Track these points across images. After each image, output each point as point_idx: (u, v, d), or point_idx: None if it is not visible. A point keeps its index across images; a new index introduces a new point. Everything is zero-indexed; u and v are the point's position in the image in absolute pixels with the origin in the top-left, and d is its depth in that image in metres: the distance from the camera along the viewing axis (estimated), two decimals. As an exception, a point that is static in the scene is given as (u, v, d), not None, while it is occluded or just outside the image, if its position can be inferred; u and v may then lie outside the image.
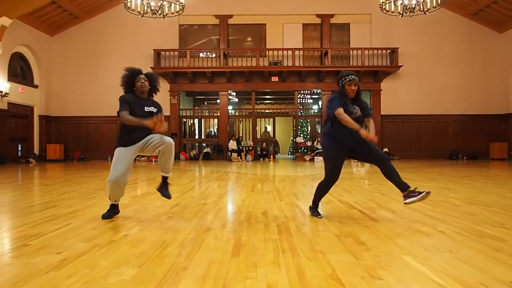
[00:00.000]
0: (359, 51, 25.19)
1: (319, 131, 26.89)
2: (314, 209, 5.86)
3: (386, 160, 5.60)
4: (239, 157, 24.86)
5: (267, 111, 29.86)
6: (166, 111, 24.81)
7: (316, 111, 28.91)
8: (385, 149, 25.03)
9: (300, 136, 28.05)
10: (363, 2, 25.66)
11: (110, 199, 5.72)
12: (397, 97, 25.56)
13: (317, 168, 17.39)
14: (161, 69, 24.23)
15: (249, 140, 26.81)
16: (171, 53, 25.40)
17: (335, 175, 5.69)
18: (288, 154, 34.26)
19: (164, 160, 5.76)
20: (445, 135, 25.93)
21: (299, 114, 27.80)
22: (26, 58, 24.36)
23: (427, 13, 18.74)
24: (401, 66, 24.80)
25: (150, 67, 23.43)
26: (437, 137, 25.87)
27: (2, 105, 21.40)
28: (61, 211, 6.28)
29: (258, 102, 30.84)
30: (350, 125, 5.33)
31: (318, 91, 27.10)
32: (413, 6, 18.41)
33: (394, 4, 18.78)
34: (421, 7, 18.34)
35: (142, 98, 5.65)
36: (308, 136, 29.53)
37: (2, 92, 20.99)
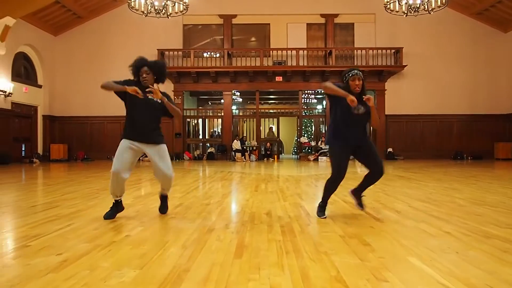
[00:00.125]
0: (363, 51, 25.13)
1: (323, 131, 26.89)
2: (320, 208, 5.78)
3: (380, 173, 5.68)
4: (243, 157, 24.81)
5: (271, 111, 29.81)
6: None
7: (320, 111, 28.92)
8: (389, 149, 24.99)
9: (304, 136, 28.08)
10: (368, 1, 25.62)
11: (111, 194, 5.71)
12: (402, 97, 25.48)
13: (321, 168, 17.33)
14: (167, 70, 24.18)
15: (253, 140, 26.76)
16: (175, 53, 25.37)
17: (340, 172, 5.60)
18: (292, 154, 34.25)
19: (162, 185, 5.96)
20: (450, 135, 25.85)
21: (303, 114, 27.80)
22: (30, 58, 24.36)
23: (432, 13, 18.69)
24: (405, 66, 24.71)
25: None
26: (442, 137, 25.79)
27: (5, 105, 21.41)
28: (63, 211, 6.24)
29: (262, 102, 30.80)
30: (337, 93, 5.36)
31: (322, 91, 26.92)
32: (418, 6, 18.35)
33: (399, 3, 18.72)
34: (426, 6, 18.28)
35: (146, 87, 5.60)
36: (312, 136, 29.56)
37: (5, 92, 20.99)
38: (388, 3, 19.09)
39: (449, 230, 4.82)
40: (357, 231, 4.79)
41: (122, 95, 5.60)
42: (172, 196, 7.76)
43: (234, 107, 27.75)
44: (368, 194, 8.06)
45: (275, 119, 28.15)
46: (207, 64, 25.49)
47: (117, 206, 5.77)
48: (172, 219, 5.64)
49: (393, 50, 25.29)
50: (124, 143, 5.55)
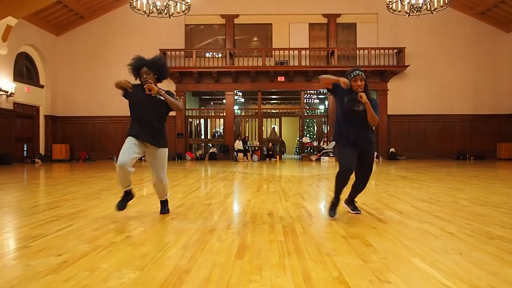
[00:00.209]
0: (366, 51, 25.09)
1: (325, 131, 26.86)
2: (332, 205, 5.69)
3: (363, 186, 5.90)
4: (245, 157, 24.78)
5: (273, 111, 29.81)
6: (172, 112, 24.69)
7: (322, 111, 28.87)
8: (392, 149, 24.96)
9: (306, 136, 27.98)
10: (370, 1, 25.57)
11: (120, 186, 5.75)
12: (404, 97, 25.45)
13: (324, 168, 17.31)
14: (168, 68, 24.13)
15: (255, 140, 26.73)
16: (177, 53, 25.34)
17: (347, 162, 5.52)
18: (294, 154, 34.21)
19: (155, 189, 6.03)
20: (452, 135, 25.81)
21: (306, 114, 27.75)
22: (32, 58, 24.36)
23: (434, 13, 18.64)
24: (407, 66, 24.69)
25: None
26: (444, 137, 25.75)
27: (7, 105, 21.40)
28: (64, 211, 6.21)
29: (264, 102, 30.76)
30: (330, 80, 5.49)
31: (324, 91, 26.96)
32: (420, 6, 18.29)
33: (401, 3, 18.67)
34: (428, 6, 18.23)
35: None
36: (315, 136, 29.49)
37: (7, 92, 20.97)
38: (390, 3, 19.04)
39: (452, 230, 4.79)
40: (360, 232, 4.76)
41: (125, 94, 5.67)
42: (174, 197, 7.75)
43: (236, 107, 27.75)
44: (370, 195, 8.04)
45: (277, 119, 28.12)
46: (209, 64, 25.47)
47: (127, 196, 5.80)
48: (173, 220, 5.61)
49: (396, 50, 25.28)
50: (130, 140, 5.57)
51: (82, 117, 25.86)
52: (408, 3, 18.42)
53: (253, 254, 3.86)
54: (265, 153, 26.31)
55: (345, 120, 5.48)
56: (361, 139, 5.47)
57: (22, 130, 23.22)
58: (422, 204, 6.83)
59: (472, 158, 24.99)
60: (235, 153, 24.99)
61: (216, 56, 26.04)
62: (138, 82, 5.75)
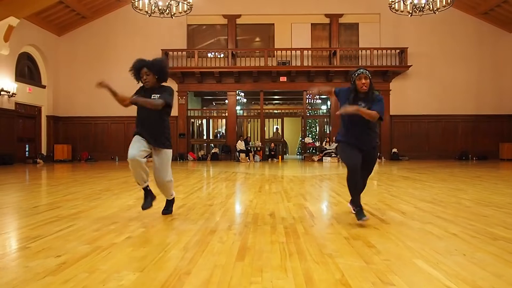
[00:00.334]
0: (368, 51, 25.07)
1: (328, 132, 26.85)
2: (358, 211, 5.30)
3: (366, 178, 5.88)
4: (247, 157, 24.76)
5: (276, 111, 29.79)
6: (174, 111, 24.75)
7: (324, 111, 28.88)
8: (394, 150, 24.93)
9: (308, 136, 27.98)
10: (372, 1, 25.55)
11: (137, 183, 5.73)
12: (406, 97, 25.41)
13: (326, 169, 17.27)
14: (169, 68, 24.09)
15: (257, 140, 26.72)
16: (179, 53, 25.33)
17: (353, 164, 5.40)
18: (297, 154, 34.19)
19: (159, 190, 5.94)
20: (455, 135, 25.77)
21: (308, 114, 27.75)
22: (34, 58, 24.36)
23: (437, 13, 18.61)
24: (410, 66, 24.66)
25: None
26: (447, 138, 25.71)
27: (9, 105, 21.40)
28: (64, 212, 6.18)
29: (267, 102, 30.71)
30: (324, 91, 5.87)
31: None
32: (423, 5, 18.26)
33: (404, 3, 18.64)
34: (431, 6, 18.19)
35: (150, 88, 5.64)
36: (317, 137, 29.47)
37: (9, 92, 20.96)
38: (393, 3, 19.02)
39: (455, 231, 4.75)
40: (362, 233, 4.72)
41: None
42: (175, 197, 7.70)
43: (238, 108, 27.73)
44: (372, 195, 8.01)
45: (279, 120, 28.08)
46: (211, 64, 25.47)
47: (148, 194, 5.76)
48: (174, 220, 5.58)
49: (398, 50, 25.25)
50: (136, 137, 5.58)
51: (84, 117, 25.85)
52: (411, 3, 18.40)
53: (254, 255, 3.82)
54: (267, 153, 26.27)
55: (347, 123, 5.41)
56: (364, 143, 5.39)
57: (24, 131, 23.21)
58: (424, 205, 6.80)
59: (474, 158, 24.96)
60: (237, 153, 24.96)
61: (218, 56, 26.05)
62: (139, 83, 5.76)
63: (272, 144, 26.36)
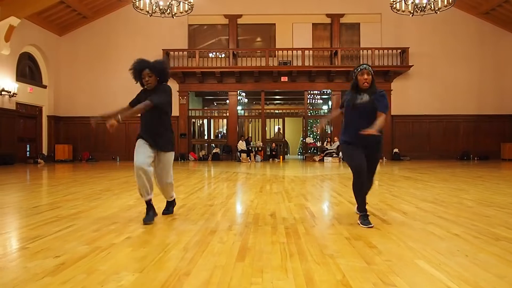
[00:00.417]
0: (369, 51, 25.02)
1: (329, 132, 26.81)
2: (362, 217, 5.23)
3: (371, 176, 5.65)
4: (248, 157, 24.73)
5: (277, 111, 29.76)
6: (175, 111, 24.74)
7: (326, 111, 28.89)
8: (395, 150, 24.89)
9: (309, 136, 27.94)
10: (374, 1, 25.51)
11: (140, 194, 5.53)
12: (408, 97, 25.37)
13: (327, 169, 17.24)
14: (170, 69, 24.02)
15: (258, 140, 26.69)
16: (180, 53, 25.30)
17: (357, 165, 5.30)
18: (298, 154, 34.15)
19: (161, 191, 5.96)
20: (456, 135, 25.73)
21: (309, 114, 27.72)
22: (35, 58, 24.34)
23: (438, 12, 18.57)
24: (411, 66, 24.62)
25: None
26: (448, 137, 25.67)
27: (10, 105, 21.38)
28: (64, 212, 6.16)
29: (268, 102, 30.69)
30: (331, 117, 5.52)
31: (328, 91, 27.00)
32: (424, 5, 18.22)
33: (405, 3, 18.62)
34: (432, 6, 18.15)
35: (149, 89, 5.59)
36: (318, 137, 29.43)
37: (10, 92, 20.94)
38: (394, 3, 18.99)
39: (457, 232, 4.72)
40: (363, 233, 4.70)
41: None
42: (176, 198, 7.68)
43: (239, 108, 27.69)
44: (374, 195, 7.98)
45: (281, 120, 28.06)
46: (212, 64, 25.44)
47: (151, 208, 5.53)
48: (174, 221, 5.56)
49: (399, 50, 25.21)
50: (140, 141, 5.51)
51: (85, 117, 25.72)
52: (412, 3, 18.37)
53: (254, 256, 3.80)
54: (269, 153, 26.24)
55: (349, 119, 5.33)
56: (367, 137, 5.29)
57: (25, 131, 23.20)
58: (426, 205, 6.77)
59: (476, 158, 24.92)
60: (238, 153, 24.93)
61: (219, 56, 26.03)
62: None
63: (273, 144, 26.33)
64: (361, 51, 25.58)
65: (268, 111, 28.13)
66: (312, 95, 29.56)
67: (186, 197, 7.92)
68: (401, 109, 25.34)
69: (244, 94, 28.95)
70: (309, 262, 3.57)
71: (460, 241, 4.33)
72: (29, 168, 18.52)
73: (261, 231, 4.86)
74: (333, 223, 5.33)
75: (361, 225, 5.13)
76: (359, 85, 5.23)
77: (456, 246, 4.10)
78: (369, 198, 5.98)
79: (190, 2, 18.52)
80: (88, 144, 25.79)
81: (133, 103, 5.71)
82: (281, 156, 26.15)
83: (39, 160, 22.91)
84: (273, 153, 25.83)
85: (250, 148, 25.52)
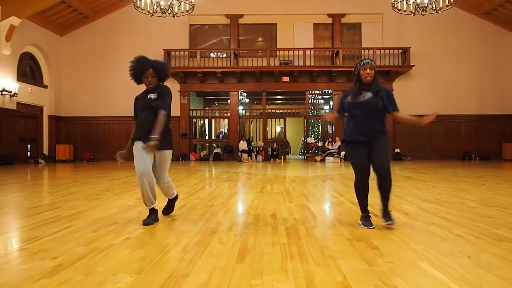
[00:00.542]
0: (371, 51, 24.96)
1: (330, 132, 26.80)
2: (363, 218, 5.20)
3: (385, 171, 5.12)
4: (249, 157, 24.70)
5: (278, 111, 29.74)
6: (176, 111, 24.72)
7: (327, 111, 28.76)
8: (397, 150, 24.85)
9: (311, 136, 27.92)
10: (375, 1, 25.49)
11: (144, 202, 5.44)
12: (409, 97, 25.29)
13: (328, 169, 17.20)
14: (171, 69, 23.93)
15: (259, 140, 26.66)
16: (181, 53, 25.28)
17: (358, 164, 5.25)
18: (299, 154, 34.15)
19: (161, 191, 5.84)
20: (457, 135, 25.71)
21: (310, 114, 27.67)
22: (36, 58, 24.33)
23: (440, 12, 18.56)
24: (413, 66, 24.58)
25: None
26: (449, 138, 25.64)
27: (11, 105, 21.36)
28: (63, 212, 6.12)
29: (269, 102, 30.70)
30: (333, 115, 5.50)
31: (329, 91, 26.99)
32: (426, 5, 18.19)
33: (406, 3, 18.58)
34: (434, 6, 18.12)
35: (149, 89, 5.49)
36: (319, 137, 29.40)
37: (11, 92, 20.92)
38: (395, 3, 18.97)
39: (460, 233, 4.68)
40: (365, 234, 4.65)
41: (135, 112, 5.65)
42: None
43: (240, 108, 27.65)
44: (375, 196, 7.89)
45: (282, 120, 28.04)
46: (213, 64, 25.42)
47: (153, 212, 5.45)
48: (174, 221, 5.52)
49: (401, 50, 25.17)
50: (136, 146, 5.35)
51: (86, 117, 25.82)
52: (414, 2, 18.34)
53: (254, 257, 3.75)
54: (270, 153, 26.22)
55: (352, 117, 5.22)
56: (368, 132, 5.13)
57: (26, 131, 23.19)
58: (428, 205, 6.73)
59: (477, 158, 24.88)
60: (240, 153, 24.92)
61: (221, 56, 26.00)
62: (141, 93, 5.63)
63: (275, 144, 26.32)
64: (362, 51, 25.55)
65: (269, 111, 28.15)
66: (314, 95, 29.52)
67: (186, 197, 7.87)
68: (403, 109, 24.46)
69: (245, 94, 28.91)
70: (310, 264, 3.52)
71: (462, 242, 4.29)
72: (30, 168, 18.50)
73: (262, 231, 4.83)
74: (334, 224, 5.29)
75: (362, 226, 5.09)
76: (362, 79, 5.15)
77: (458, 247, 4.06)
78: (370, 198, 5.93)
79: (191, 2, 18.50)
80: (89, 144, 25.80)
81: (136, 116, 5.57)
82: (282, 156, 26.13)
83: (40, 160, 22.90)
84: (274, 153, 25.82)
85: (251, 148, 25.49)
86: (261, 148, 26.25)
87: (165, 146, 5.45)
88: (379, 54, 24.99)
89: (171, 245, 4.19)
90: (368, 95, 5.11)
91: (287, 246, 4.15)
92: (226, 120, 27.55)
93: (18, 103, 22.04)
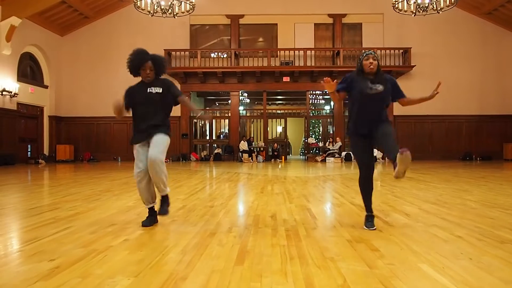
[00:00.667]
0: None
1: (331, 132, 26.79)
2: (366, 218, 5.14)
3: (393, 144, 4.82)
4: (250, 158, 24.68)
5: (279, 111, 29.75)
6: (177, 112, 24.70)
7: (328, 111, 28.80)
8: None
9: (312, 136, 27.90)
10: (376, 1, 25.48)
11: (143, 201, 5.38)
12: (410, 97, 25.25)
13: (329, 169, 17.18)
14: (172, 69, 24.03)
15: (260, 140, 26.64)
16: (182, 53, 25.30)
17: (363, 164, 5.20)
18: (300, 155, 34.13)
19: (152, 178, 5.20)
20: (458, 135, 25.71)
21: (311, 114, 27.66)
22: (36, 58, 24.35)
23: (440, 12, 18.55)
24: (413, 66, 24.58)
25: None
26: (450, 138, 25.65)
27: (11, 105, 21.36)
28: (61, 214, 6.08)
29: (270, 102, 30.71)
30: (334, 96, 5.34)
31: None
32: (426, 5, 18.18)
33: (407, 3, 18.57)
34: (434, 6, 18.11)
35: (147, 82, 5.33)
36: (320, 137, 29.39)
37: (11, 92, 20.92)
38: (396, 3, 18.96)
39: (461, 234, 4.63)
40: (365, 235, 4.61)
41: (126, 104, 5.40)
42: (176, 198, 7.63)
43: (241, 108, 27.67)
44: (376, 196, 7.85)
45: (283, 120, 28.03)
46: (214, 64, 25.42)
47: (152, 213, 5.36)
48: (173, 222, 5.47)
49: (402, 50, 25.18)
50: (136, 147, 5.24)
51: (87, 117, 25.81)
52: (414, 2, 18.34)
53: (253, 259, 3.71)
54: (270, 154, 26.21)
55: (359, 108, 5.09)
56: (372, 123, 5.02)
57: (26, 131, 23.20)
58: (429, 206, 6.69)
59: (478, 159, 24.87)
60: (240, 154, 24.91)
61: (221, 56, 26.01)
62: (135, 85, 5.48)
63: (275, 145, 26.32)
64: (363, 51, 25.44)
65: (270, 111, 28.20)
66: (314, 95, 29.49)
67: (186, 198, 7.84)
68: (403, 109, 25.13)
69: (246, 94, 28.94)
70: (310, 266, 3.48)
71: (463, 243, 4.25)
72: (30, 168, 18.49)
73: (261, 233, 4.79)
74: (334, 225, 5.25)
75: (364, 226, 5.05)
76: (365, 69, 5.08)
77: (459, 249, 4.02)
78: (371, 199, 5.89)
79: (191, 2, 18.51)
80: (89, 145, 25.82)
81: (130, 100, 5.38)
82: (283, 157, 26.11)
83: (40, 160, 22.91)
84: (275, 153, 25.81)
85: (252, 148, 25.47)
86: (261, 149, 26.24)
87: (162, 131, 5.24)
88: (380, 54, 24.94)
89: (170, 247, 4.15)
90: (380, 87, 5.03)
91: (287, 248, 4.11)
92: (226, 121, 27.57)
93: (18, 103, 22.05)
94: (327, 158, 24.05)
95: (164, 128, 5.28)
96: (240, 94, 27.07)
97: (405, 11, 19.10)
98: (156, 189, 5.33)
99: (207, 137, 28.33)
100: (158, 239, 4.58)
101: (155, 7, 18.15)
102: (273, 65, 25.15)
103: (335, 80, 5.14)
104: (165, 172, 5.15)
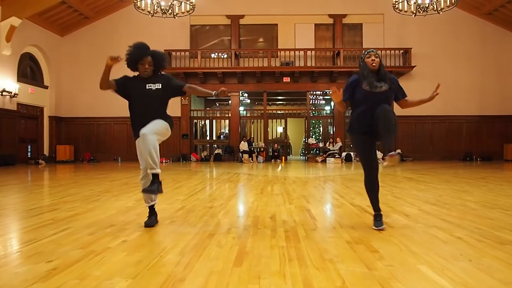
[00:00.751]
0: (372, 51, 24.90)
1: (331, 132, 26.77)
2: (375, 217, 5.14)
3: (383, 129, 4.92)
4: (250, 158, 24.66)
5: (279, 112, 29.73)
6: (177, 112, 24.70)
7: (328, 112, 28.76)
8: (398, 150, 24.72)
9: (312, 137, 27.87)
10: (376, 2, 25.45)
11: (144, 200, 5.34)
12: (410, 98, 25.23)
13: (329, 170, 17.17)
14: (172, 70, 23.99)
15: (260, 141, 26.63)
16: (182, 53, 25.28)
17: (368, 164, 5.25)
18: (300, 155, 34.11)
19: (143, 154, 5.02)
20: (459, 136, 25.69)
21: (311, 115, 27.62)
22: (36, 59, 24.34)
23: (441, 13, 18.52)
24: (414, 66, 24.56)
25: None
26: (451, 138, 25.63)
27: (11, 105, 21.35)
28: (60, 214, 6.06)
29: (270, 103, 30.70)
30: (340, 105, 5.36)
31: (330, 92, 26.84)
32: (427, 6, 18.17)
33: (407, 3, 18.55)
34: (435, 6, 18.09)
35: (145, 77, 5.27)
36: (320, 137, 29.39)
37: (11, 92, 20.92)
38: (396, 3, 18.93)
39: (461, 235, 4.62)
40: (365, 237, 4.59)
41: (122, 92, 5.31)
42: (175, 199, 7.64)
43: (241, 108, 27.66)
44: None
45: (283, 120, 28.02)
46: (214, 64, 25.41)
47: (153, 213, 5.35)
48: (172, 223, 5.45)
49: (402, 51, 25.16)
50: (136, 143, 5.21)
51: (87, 118, 25.81)
52: (415, 3, 18.31)
53: (252, 260, 3.70)
54: (271, 154, 26.21)
55: (362, 107, 5.12)
56: (371, 121, 5.01)
57: (26, 131, 23.19)
58: (429, 207, 6.67)
59: (478, 159, 24.86)
60: (240, 154, 24.90)
61: (222, 56, 25.99)
62: (133, 76, 5.41)
63: (276, 145, 26.31)
64: (363, 51, 25.47)
65: (270, 111, 28.18)
66: (315, 96, 29.44)
67: (186, 199, 7.83)
68: (403, 110, 25.06)
69: (246, 94, 28.90)
70: (309, 267, 3.47)
71: (463, 244, 4.24)
72: (30, 169, 18.49)
73: (260, 234, 4.77)
74: (334, 226, 5.23)
75: (373, 226, 5.04)
76: (368, 67, 5.14)
77: (459, 250, 4.00)
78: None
79: (191, 3, 18.49)
80: (90, 145, 25.81)
81: (124, 92, 5.31)
82: (283, 157, 26.10)
83: (40, 161, 22.89)
84: (275, 154, 25.80)
85: (252, 149, 25.46)
86: (262, 149, 26.23)
87: (161, 118, 5.16)
88: (380, 55, 24.65)
89: (168, 248, 4.14)
90: (385, 86, 5.04)
91: (286, 249, 4.09)
92: (227, 121, 27.56)
93: (18, 104, 22.04)
94: (327, 158, 24.04)
95: (163, 117, 5.22)
96: (241, 95, 27.06)
97: (406, 11, 19.10)
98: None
99: (207, 138, 28.29)
100: (157, 240, 4.58)
101: (155, 8, 18.14)
102: (274, 66, 25.14)
103: (341, 89, 5.10)
104: (154, 145, 4.89)
